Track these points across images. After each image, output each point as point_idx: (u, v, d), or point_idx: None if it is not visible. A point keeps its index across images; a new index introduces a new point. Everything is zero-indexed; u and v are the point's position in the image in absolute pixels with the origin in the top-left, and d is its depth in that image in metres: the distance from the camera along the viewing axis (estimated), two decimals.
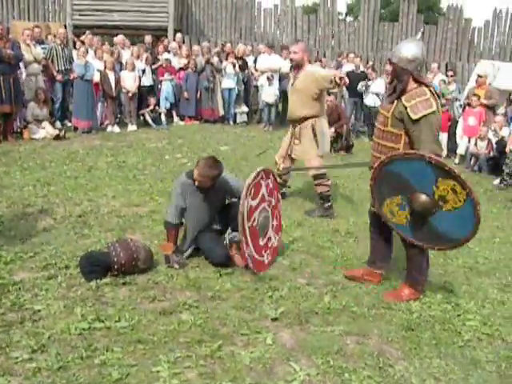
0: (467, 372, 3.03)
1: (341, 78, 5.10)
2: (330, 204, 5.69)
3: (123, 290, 3.65)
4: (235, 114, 11.50)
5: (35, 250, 4.16)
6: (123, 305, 3.41)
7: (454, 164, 9.51)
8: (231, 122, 11.44)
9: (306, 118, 5.45)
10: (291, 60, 5.64)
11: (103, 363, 2.75)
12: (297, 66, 5.48)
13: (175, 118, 10.76)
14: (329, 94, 9.42)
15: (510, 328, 3.60)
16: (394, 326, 3.46)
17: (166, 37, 13.08)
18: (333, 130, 9.27)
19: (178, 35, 11.97)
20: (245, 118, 11.61)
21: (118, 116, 9.92)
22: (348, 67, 11.53)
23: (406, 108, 3.45)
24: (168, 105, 10.45)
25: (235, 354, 2.94)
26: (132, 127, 9.74)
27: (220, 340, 3.05)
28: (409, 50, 3.48)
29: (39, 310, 3.26)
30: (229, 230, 4.24)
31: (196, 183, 4.03)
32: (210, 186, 4.05)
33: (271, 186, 4.22)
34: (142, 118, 10.22)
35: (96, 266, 3.73)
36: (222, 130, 10.69)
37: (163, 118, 10.30)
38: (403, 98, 3.49)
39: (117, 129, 9.51)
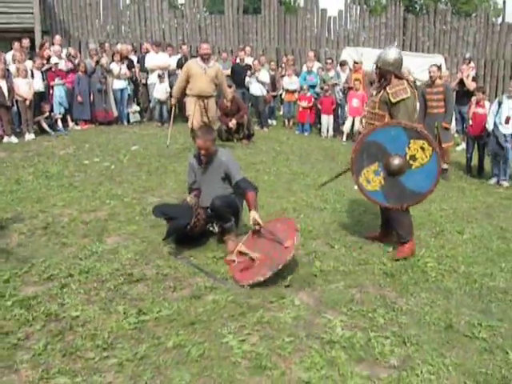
0: (447, 297, 3.86)
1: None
2: None
3: (140, 286, 3.88)
4: (128, 114, 11.52)
5: (26, 265, 4.15)
6: (152, 298, 3.67)
7: (342, 142, 10.67)
8: (125, 122, 11.44)
9: (212, 95, 8.19)
10: (205, 54, 7.96)
11: (177, 345, 3.06)
12: (208, 58, 7.99)
13: (70, 123, 10.49)
14: (228, 86, 9.96)
15: (455, 263, 4.54)
16: (378, 276, 4.19)
17: (42, 39, 12.48)
18: (234, 121, 9.84)
19: (57, 37, 11.54)
20: (138, 117, 11.69)
21: (14, 125, 9.43)
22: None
23: (388, 94, 4.39)
24: (62, 110, 10.17)
25: (277, 317, 3.42)
26: (30, 136, 9.35)
27: (258, 309, 3.50)
28: (390, 55, 4.47)
29: (77, 316, 3.40)
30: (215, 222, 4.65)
31: (202, 152, 4.59)
32: (210, 159, 4.65)
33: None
34: (36, 125, 9.80)
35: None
36: (120, 130, 10.69)
37: (59, 123, 10.01)
38: (387, 88, 4.43)
39: (14, 139, 9.07)
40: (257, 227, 4.38)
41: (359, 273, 4.22)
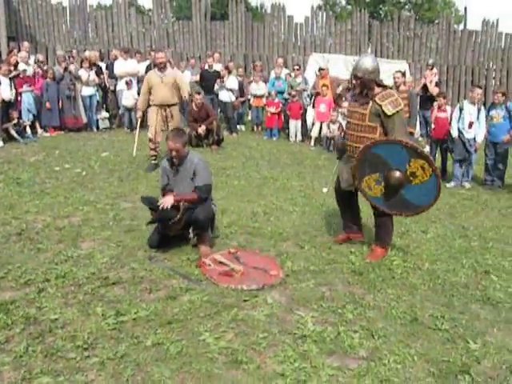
0: (412, 293, 4.07)
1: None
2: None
3: (117, 289, 3.97)
4: (97, 121, 11.51)
5: (1, 271, 4.17)
6: (129, 300, 3.76)
7: (310, 147, 10.90)
8: (95, 129, 11.42)
9: (175, 103, 7.92)
10: (160, 63, 7.78)
11: (156, 344, 3.17)
12: (164, 67, 7.80)
13: (39, 130, 10.42)
14: (197, 93, 10.09)
15: (419, 261, 4.77)
16: (347, 274, 4.38)
17: (8, 45, 12.36)
18: (204, 127, 9.96)
19: (26, 44, 11.45)
20: (107, 123, 11.68)
21: None
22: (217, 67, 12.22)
23: (380, 106, 4.36)
24: (31, 116, 10.10)
25: (251, 315, 3.57)
26: None
27: (232, 308, 3.64)
28: (368, 64, 4.43)
29: (56, 319, 3.47)
30: (191, 228, 4.74)
31: (173, 154, 4.72)
32: (181, 161, 4.78)
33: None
34: (4, 132, 9.71)
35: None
36: (90, 137, 10.67)
37: (28, 130, 9.94)
38: (376, 99, 4.39)
39: None
40: (163, 205, 4.52)
41: (329, 272, 4.40)
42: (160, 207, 4.52)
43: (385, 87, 4.52)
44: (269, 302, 3.78)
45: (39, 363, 2.97)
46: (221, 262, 4.40)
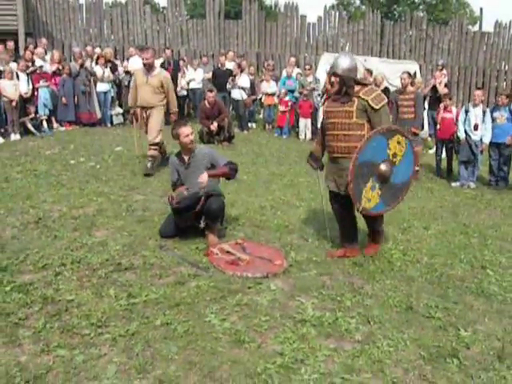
0: (409, 284, 4.26)
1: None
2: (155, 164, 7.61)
3: (128, 274, 4.20)
4: (111, 116, 11.79)
5: (21, 256, 4.43)
6: (140, 284, 3.99)
7: None
8: (109, 124, 11.70)
9: (156, 105, 7.49)
10: (145, 64, 7.42)
11: (164, 323, 3.40)
12: (150, 67, 7.40)
13: (55, 124, 10.72)
14: (210, 91, 10.31)
15: (418, 255, 4.95)
16: (348, 266, 4.57)
17: (25, 41, 12.67)
18: (216, 124, 10.19)
19: (43, 40, 11.76)
20: (121, 119, 11.96)
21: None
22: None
23: (367, 101, 4.32)
24: (47, 111, 10.40)
25: (254, 300, 3.78)
26: (16, 136, 9.57)
27: (237, 293, 3.85)
28: (346, 62, 4.42)
29: (72, 300, 3.71)
30: (203, 217, 4.95)
31: (187, 141, 4.97)
32: (191, 154, 5.03)
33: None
34: (21, 126, 10.02)
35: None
36: (104, 132, 10.94)
37: (45, 124, 10.25)
38: (361, 95, 4.35)
39: (0, 139, 9.29)
40: (201, 185, 4.81)
41: (330, 263, 4.59)
42: (200, 187, 4.80)
43: (364, 85, 4.51)
44: (272, 288, 3.99)
45: (56, 338, 3.21)
46: (228, 252, 4.61)
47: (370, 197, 4.39)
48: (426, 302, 3.93)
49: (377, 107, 4.32)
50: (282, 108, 11.78)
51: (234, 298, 3.78)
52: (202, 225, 4.97)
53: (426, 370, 3.06)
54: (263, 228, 5.47)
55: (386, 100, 4.43)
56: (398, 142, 4.36)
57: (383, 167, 4.36)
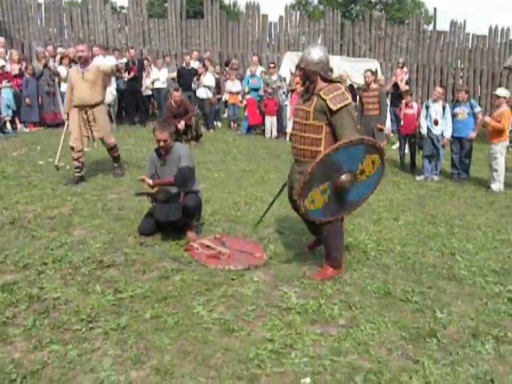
0: (385, 272, 4.45)
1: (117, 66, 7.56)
2: (120, 164, 7.37)
3: (112, 271, 4.24)
4: None
5: (0, 256, 4.39)
6: (124, 280, 4.04)
7: (286, 142, 11.24)
8: None
9: (97, 103, 6.78)
10: (80, 57, 6.67)
11: (154, 316, 3.46)
12: (85, 62, 6.63)
13: (19, 125, 10.51)
14: (176, 90, 10.33)
15: (391, 245, 5.16)
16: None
17: None
18: (183, 122, 10.22)
19: (1, 39, 11.49)
20: None
21: None
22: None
23: (325, 101, 3.82)
24: (10, 112, 10.19)
25: (239, 291, 3.88)
26: None
27: (222, 285, 3.95)
28: (314, 54, 3.92)
29: (58, 297, 3.72)
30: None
31: (161, 144, 5.02)
32: (168, 151, 5.09)
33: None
34: None
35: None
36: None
37: (8, 125, 10.04)
38: (321, 94, 3.86)
39: None
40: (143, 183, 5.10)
41: (308, 254, 4.74)
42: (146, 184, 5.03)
43: (331, 81, 3.98)
44: (255, 280, 4.11)
45: (48, 334, 3.23)
46: (208, 246, 4.69)
47: (315, 199, 3.91)
48: (402, 287, 4.13)
49: (334, 108, 3.79)
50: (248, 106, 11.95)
51: (219, 290, 3.88)
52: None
53: (408, 349, 3.24)
54: (239, 223, 5.57)
55: (349, 101, 3.87)
56: (373, 162, 3.94)
57: (344, 178, 3.87)
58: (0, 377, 2.79)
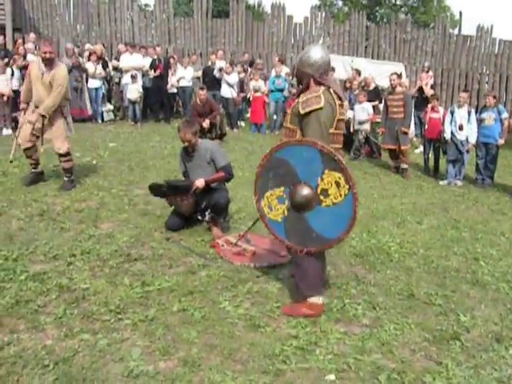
0: (408, 274, 4.47)
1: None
2: (73, 178, 6.49)
3: (139, 264, 4.32)
4: (102, 113, 11.83)
5: (30, 247, 4.51)
6: (152, 273, 4.12)
7: None
8: (100, 121, 11.75)
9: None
10: (44, 59, 5.98)
11: (181, 309, 3.54)
12: (50, 62, 6.01)
13: None
14: (201, 89, 10.43)
15: (414, 247, 5.16)
16: (349, 257, 4.78)
17: (13, 36, 12.61)
18: (208, 121, 10.30)
19: (32, 35, 11.73)
20: (112, 115, 12.01)
21: None
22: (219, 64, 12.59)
23: (298, 103, 3.49)
24: None
25: (265, 288, 3.95)
26: (7, 131, 9.57)
27: (247, 282, 4.01)
28: (312, 54, 3.54)
29: (88, 288, 3.82)
30: (209, 211, 5.08)
31: (186, 144, 5.09)
32: (194, 149, 5.15)
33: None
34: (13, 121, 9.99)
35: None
36: (96, 128, 11.00)
37: None
38: (300, 96, 3.54)
39: None
40: (196, 189, 5.01)
41: (332, 254, 4.76)
42: (192, 191, 4.99)
43: (322, 85, 3.50)
44: (280, 277, 4.16)
45: (78, 323, 3.33)
46: (233, 243, 4.76)
47: (273, 205, 3.58)
48: (425, 290, 4.14)
49: (302, 111, 3.42)
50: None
51: (245, 286, 3.94)
52: (207, 218, 5.10)
53: (431, 350, 3.26)
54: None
55: (320, 105, 3.37)
56: (337, 184, 3.29)
57: (302, 191, 3.41)
58: (33, 362, 2.88)
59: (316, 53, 3.56)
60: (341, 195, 3.30)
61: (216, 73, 12.21)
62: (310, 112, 3.39)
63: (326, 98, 3.41)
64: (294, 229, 3.51)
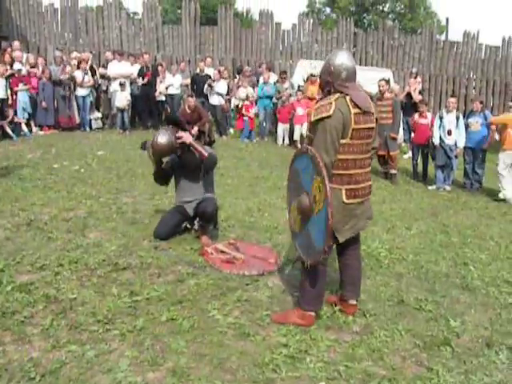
0: (398, 280, 4.47)
1: None
2: None
3: (127, 273, 4.28)
4: (90, 121, 11.78)
5: (17, 257, 4.45)
6: (140, 282, 4.08)
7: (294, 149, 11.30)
8: (88, 129, 11.69)
9: None
10: None
11: (170, 319, 3.50)
12: None
13: (34, 128, 10.65)
14: (190, 96, 10.41)
15: (403, 253, 5.17)
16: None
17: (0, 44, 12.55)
18: (196, 128, 10.28)
19: (16, 43, 11.66)
20: (100, 123, 11.96)
21: None
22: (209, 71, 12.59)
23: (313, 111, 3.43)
24: (26, 115, 10.33)
25: (254, 296, 3.92)
26: None
27: (237, 290, 3.98)
28: (331, 61, 3.41)
29: (75, 298, 3.76)
30: (197, 219, 5.06)
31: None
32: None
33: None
34: None
35: None
36: (84, 136, 10.96)
37: (24, 128, 10.18)
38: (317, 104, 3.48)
39: None
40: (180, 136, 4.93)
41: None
42: (179, 141, 4.94)
43: (340, 92, 3.36)
44: (269, 285, 4.14)
45: (65, 334, 3.27)
46: (222, 251, 4.73)
47: (293, 214, 3.56)
48: (415, 295, 4.14)
49: (312, 119, 3.38)
50: (245, 112, 12.04)
51: (234, 295, 3.91)
52: (196, 226, 5.07)
53: (422, 357, 3.25)
54: (253, 229, 5.61)
55: (329, 113, 3.24)
56: (319, 190, 3.19)
57: (304, 200, 3.35)
58: (19, 375, 2.83)
59: (336, 59, 3.41)
60: (321, 200, 3.17)
61: (206, 90, 12.20)
62: (320, 120, 3.30)
63: (338, 106, 3.26)
64: (303, 240, 3.47)
